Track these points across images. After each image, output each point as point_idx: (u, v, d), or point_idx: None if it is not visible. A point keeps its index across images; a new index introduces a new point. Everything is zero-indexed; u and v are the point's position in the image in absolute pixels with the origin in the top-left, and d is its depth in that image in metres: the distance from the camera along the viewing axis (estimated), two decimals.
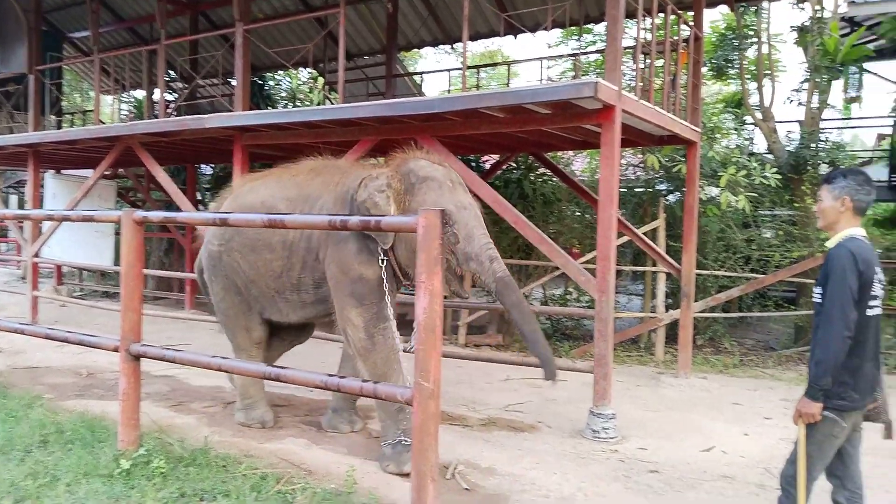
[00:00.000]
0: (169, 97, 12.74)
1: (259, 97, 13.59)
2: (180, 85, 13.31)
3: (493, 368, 7.30)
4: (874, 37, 12.26)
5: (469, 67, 13.75)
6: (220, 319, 5.27)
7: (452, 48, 12.36)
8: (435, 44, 12.56)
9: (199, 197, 13.36)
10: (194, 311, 10.67)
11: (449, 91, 11.57)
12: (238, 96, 7.67)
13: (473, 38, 11.37)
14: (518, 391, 6.69)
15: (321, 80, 11.14)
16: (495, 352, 8.55)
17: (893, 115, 11.01)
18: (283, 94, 15.46)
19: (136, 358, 4.20)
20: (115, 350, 4.25)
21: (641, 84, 6.01)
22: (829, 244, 3.15)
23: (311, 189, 4.72)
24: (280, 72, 15.12)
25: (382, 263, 4.28)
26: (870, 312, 3.03)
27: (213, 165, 14.00)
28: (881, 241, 8.81)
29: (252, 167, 11.34)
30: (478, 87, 11.42)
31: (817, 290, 3.11)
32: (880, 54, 12.85)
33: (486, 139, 7.23)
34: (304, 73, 15.92)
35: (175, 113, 9.95)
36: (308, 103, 14.59)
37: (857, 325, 2.96)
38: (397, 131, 6.41)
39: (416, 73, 14.02)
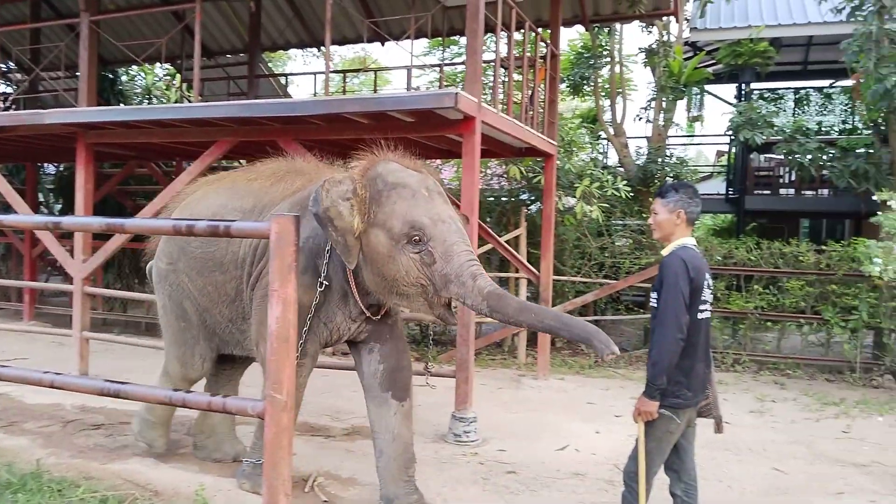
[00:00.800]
0: (5, 89, 11.67)
1: (111, 93, 12.75)
2: (19, 76, 12.22)
3: None
4: (713, 61, 13.43)
5: (334, 72, 13.64)
6: (164, 338, 4.58)
7: (320, 51, 12.18)
8: (301, 46, 12.34)
9: (41, 199, 12.31)
10: (35, 322, 9.79)
11: (316, 95, 11.39)
12: (82, 91, 7.14)
13: (340, 42, 11.28)
14: (352, 400, 6.65)
15: (179, 78, 10.62)
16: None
17: (730, 133, 12.03)
18: (139, 91, 14.59)
19: None
20: None
21: (501, 97, 6.20)
22: (664, 252, 3.38)
23: (270, 197, 4.04)
24: (136, 67, 14.26)
25: (321, 287, 3.68)
26: (700, 316, 3.28)
27: (57, 165, 12.95)
28: (719, 250, 9.59)
29: (101, 167, 10.64)
30: (344, 92, 11.33)
31: (654, 295, 3.33)
32: (718, 78, 14.08)
33: (351, 145, 7.13)
34: (163, 70, 15.11)
35: (13, 107, 9.11)
36: (165, 101, 13.89)
37: (689, 328, 3.19)
38: (257, 133, 6.22)
39: (279, 75, 13.73)
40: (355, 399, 6.51)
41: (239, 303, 4.05)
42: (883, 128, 9.73)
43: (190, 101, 7.33)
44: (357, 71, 14.43)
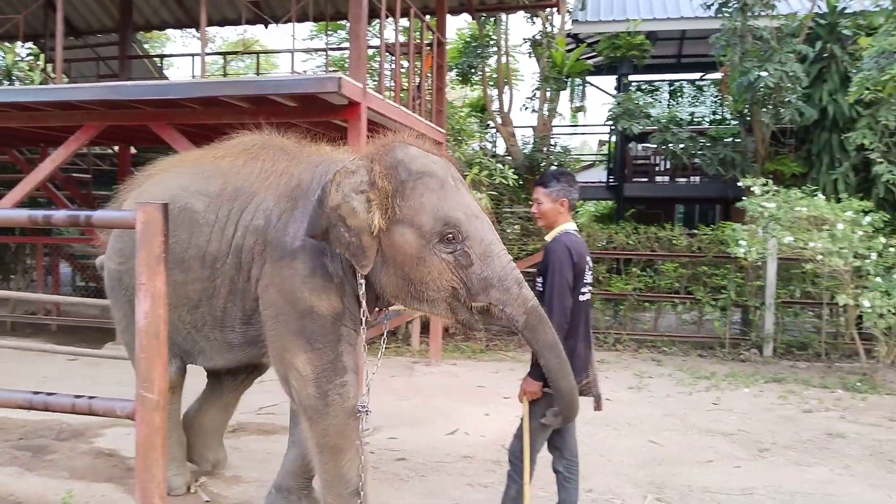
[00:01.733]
0: None
1: None
2: None
3: None
4: (594, 53, 13.90)
5: (212, 53, 13.12)
6: (128, 351, 3.89)
7: (199, 32, 11.64)
8: (178, 26, 11.74)
9: None
10: None
11: (194, 78, 10.88)
12: None
13: (220, 23, 10.82)
14: (272, 392, 6.39)
15: (43, 58, 9.83)
16: None
17: (609, 123, 12.53)
18: None
19: None
20: None
21: (388, 84, 6.15)
22: (548, 238, 3.46)
23: (243, 181, 3.39)
24: None
25: (344, 294, 3.15)
26: (582, 298, 3.40)
27: None
28: (601, 235, 9.99)
29: None
30: (225, 75, 10.87)
31: (539, 279, 3.40)
32: (599, 69, 14.61)
33: (232, 130, 6.90)
34: (26, 50, 13.94)
35: None
36: (29, 83, 12.84)
37: (571, 311, 3.29)
38: (128, 117, 5.87)
39: (154, 56, 13.01)
40: (251, 391, 6.32)
41: (207, 308, 3.41)
42: (748, 118, 10.44)
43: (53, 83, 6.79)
44: (237, 53, 13.89)
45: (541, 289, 3.37)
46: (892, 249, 7.37)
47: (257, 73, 10.97)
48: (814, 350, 8.93)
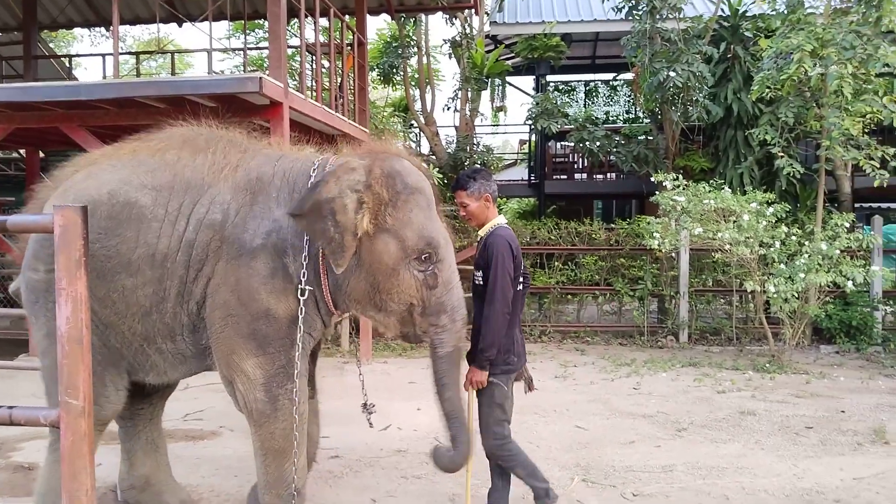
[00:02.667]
0: None
1: None
2: None
3: None
4: (512, 54, 14.18)
5: (125, 53, 12.66)
6: (45, 382, 3.19)
7: (109, 31, 11.21)
8: (87, 25, 11.28)
9: None
10: None
11: (105, 78, 10.48)
12: None
13: (132, 22, 10.47)
14: (199, 399, 6.35)
15: None
16: None
17: (529, 123, 12.81)
18: None
19: None
20: None
21: (310, 84, 6.13)
22: (482, 233, 3.56)
23: (194, 173, 3.13)
24: None
25: (303, 296, 3.01)
26: (519, 288, 3.53)
27: None
28: (524, 231, 10.23)
29: None
30: (139, 75, 10.52)
31: (478, 273, 3.50)
32: (518, 70, 14.92)
33: (147, 132, 6.72)
34: None
35: None
36: None
37: (511, 301, 3.41)
38: (36, 119, 5.64)
39: (63, 56, 12.45)
40: (177, 398, 6.17)
41: (157, 315, 3.10)
42: (659, 116, 10.91)
43: None
44: (152, 53, 13.44)
45: (480, 282, 3.47)
46: (793, 238, 7.88)
47: (172, 74, 10.67)
48: (726, 335, 9.44)
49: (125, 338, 3.14)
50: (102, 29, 11.15)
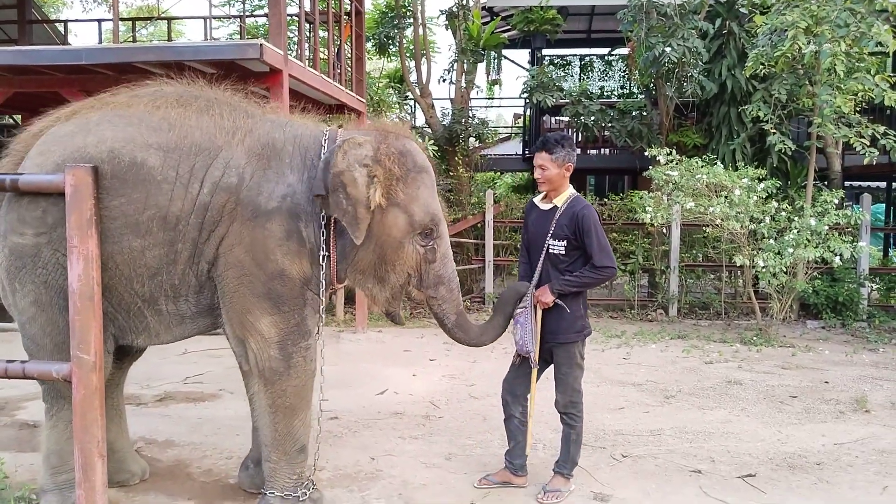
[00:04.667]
0: None
1: None
2: None
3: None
4: (509, 27, 14.13)
5: (123, 19, 12.52)
6: (30, 348, 3.16)
7: None
8: None
9: None
10: None
11: (101, 44, 10.40)
12: None
13: None
14: (198, 363, 6.47)
15: None
16: None
17: (524, 96, 12.81)
18: None
19: None
20: None
21: (308, 52, 6.14)
22: (558, 202, 3.57)
23: (203, 135, 3.12)
24: None
25: (324, 261, 3.16)
26: None
27: None
28: (519, 205, 10.29)
29: None
30: (134, 42, 10.44)
31: (559, 242, 3.52)
32: (513, 43, 14.86)
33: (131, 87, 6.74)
34: None
35: None
36: None
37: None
38: (36, 84, 5.64)
39: (58, 21, 12.30)
40: (165, 364, 6.29)
41: (166, 276, 3.08)
42: (654, 92, 10.95)
43: None
44: (150, 19, 13.32)
45: (560, 251, 3.52)
46: (783, 214, 8.01)
47: (169, 40, 10.59)
48: (714, 309, 9.61)
49: (122, 300, 3.11)
50: None
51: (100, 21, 10.33)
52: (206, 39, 9.06)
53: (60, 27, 11.88)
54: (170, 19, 11.40)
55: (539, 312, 3.57)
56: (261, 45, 5.01)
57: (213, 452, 4.16)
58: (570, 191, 3.62)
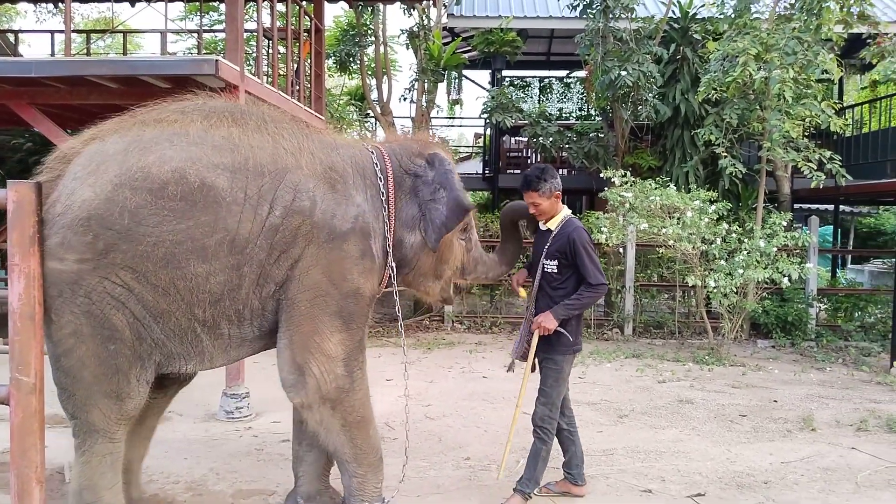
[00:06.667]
0: None
1: None
2: None
3: None
4: (469, 48, 14.27)
5: (77, 31, 12.30)
6: (62, 381, 2.96)
7: (57, 7, 10.87)
8: (33, 0, 10.92)
9: None
10: None
11: (53, 56, 10.18)
12: None
13: None
14: None
15: None
16: None
17: (484, 116, 12.93)
18: None
19: None
20: None
21: (266, 69, 6.11)
22: (552, 226, 3.77)
23: (265, 155, 3.05)
24: None
25: (395, 279, 3.40)
26: None
27: None
28: (478, 224, 10.33)
29: None
30: (89, 54, 10.25)
31: (551, 262, 3.71)
32: (474, 63, 14.99)
33: (100, 112, 6.58)
34: None
35: None
36: None
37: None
38: None
39: (9, 31, 11.99)
40: None
41: (229, 302, 3.00)
42: (610, 114, 11.16)
43: None
44: (103, 32, 13.08)
45: (553, 270, 3.70)
46: (734, 235, 8.21)
47: (124, 54, 10.42)
48: (668, 329, 9.77)
49: (179, 327, 2.98)
50: (50, 5, 10.80)
51: (52, 32, 10.11)
52: (162, 54, 8.94)
53: (12, 37, 11.60)
54: (125, 32, 11.23)
55: (535, 337, 3.73)
56: (216, 60, 4.96)
57: (159, 477, 4.06)
58: (563, 213, 3.81)
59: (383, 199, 3.33)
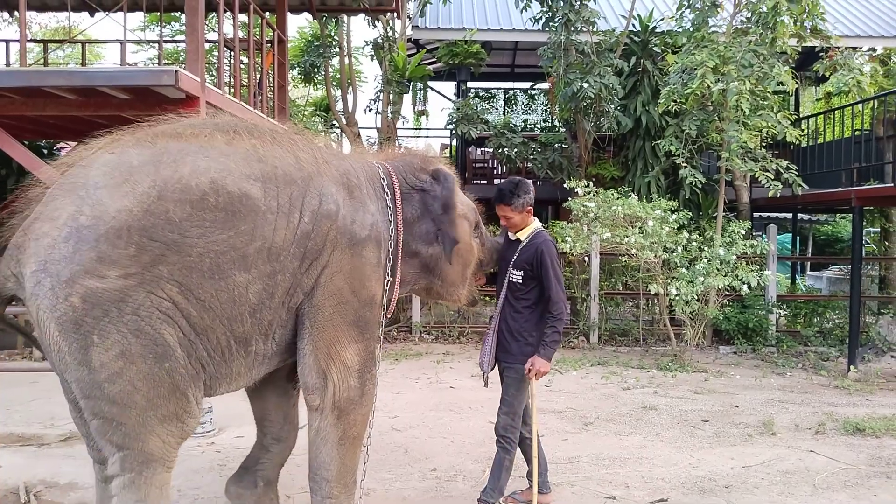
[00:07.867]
0: None
1: None
2: None
3: None
4: (434, 59, 14.35)
5: (33, 41, 12.07)
6: (107, 411, 2.66)
7: (13, 17, 10.64)
8: None
9: None
10: None
11: (9, 66, 9.96)
12: None
13: (39, 8, 10.00)
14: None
15: None
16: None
17: (450, 127, 12.99)
18: None
19: None
20: None
21: (228, 80, 6.07)
22: (522, 237, 3.80)
23: (288, 165, 3.03)
24: None
25: (387, 286, 3.34)
26: None
27: None
28: None
29: None
30: (46, 65, 10.04)
31: (517, 272, 3.74)
32: (439, 75, 15.08)
33: (57, 123, 6.47)
34: None
35: None
36: None
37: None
38: None
39: None
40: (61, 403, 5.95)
41: (263, 313, 2.90)
42: (573, 126, 11.30)
43: None
44: (62, 42, 12.84)
45: (518, 280, 3.73)
46: (694, 244, 8.36)
47: (83, 64, 10.23)
48: (633, 336, 9.88)
49: (218, 344, 2.83)
50: (6, 14, 10.56)
51: (7, 42, 9.89)
52: (122, 64, 8.81)
53: None
54: (84, 42, 11.03)
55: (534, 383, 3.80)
56: (176, 71, 4.91)
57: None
58: (533, 225, 3.86)
59: (390, 213, 3.33)
